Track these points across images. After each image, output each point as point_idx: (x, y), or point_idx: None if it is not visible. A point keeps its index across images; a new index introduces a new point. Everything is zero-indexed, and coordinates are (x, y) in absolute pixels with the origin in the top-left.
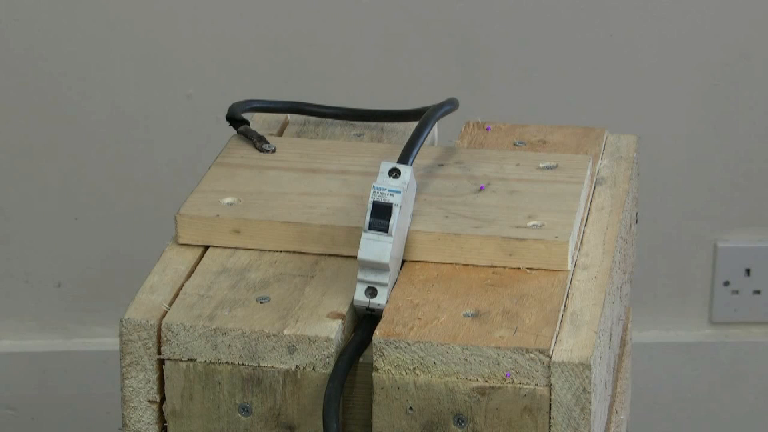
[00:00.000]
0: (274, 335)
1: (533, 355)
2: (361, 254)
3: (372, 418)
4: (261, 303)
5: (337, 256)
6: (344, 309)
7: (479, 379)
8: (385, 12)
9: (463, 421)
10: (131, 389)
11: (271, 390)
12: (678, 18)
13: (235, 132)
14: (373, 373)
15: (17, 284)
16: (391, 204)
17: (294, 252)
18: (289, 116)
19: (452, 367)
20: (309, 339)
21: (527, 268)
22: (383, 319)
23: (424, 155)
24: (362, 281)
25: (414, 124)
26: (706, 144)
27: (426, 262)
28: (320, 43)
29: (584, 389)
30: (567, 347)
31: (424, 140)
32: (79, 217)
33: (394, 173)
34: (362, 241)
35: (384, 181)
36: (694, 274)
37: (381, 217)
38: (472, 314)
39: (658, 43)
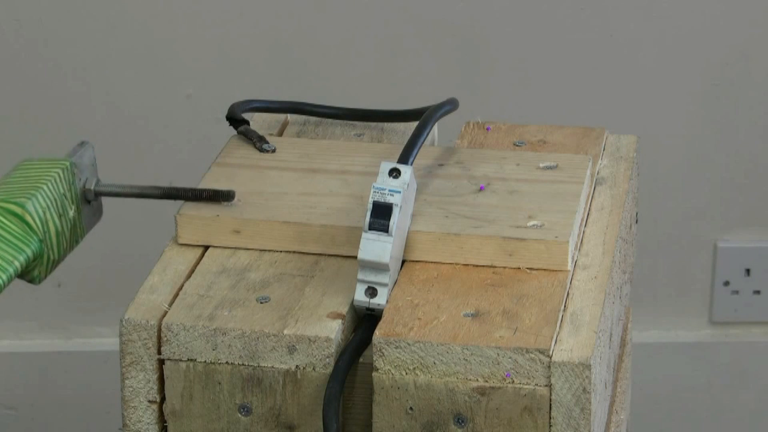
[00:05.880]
0: (274, 335)
1: (533, 355)
2: (361, 254)
3: (372, 418)
4: (261, 303)
5: (337, 256)
6: (344, 309)
7: (479, 379)
8: (385, 12)
9: (463, 421)
10: (131, 389)
11: (271, 390)
12: (678, 18)
13: (235, 132)
14: (373, 373)
15: (17, 284)
16: (391, 204)
17: (294, 252)
18: (289, 116)
19: (452, 367)
20: (309, 339)
21: (527, 268)
22: (383, 319)
23: (424, 155)
24: (362, 281)
25: (414, 124)
26: (706, 144)
27: (426, 262)
28: (320, 43)
29: (584, 389)
30: (567, 347)
31: (424, 140)
32: None
33: (394, 173)
34: (362, 241)
35: (384, 181)
36: (694, 274)
37: (381, 217)
38: (472, 314)
39: (658, 43)
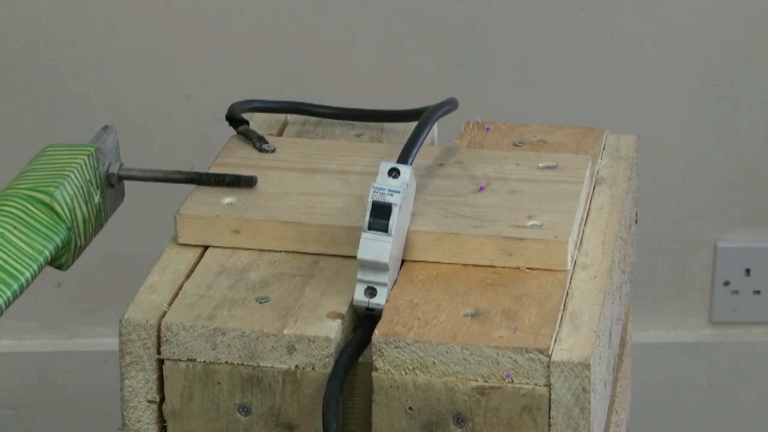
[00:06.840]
0: (273, 335)
1: (533, 355)
2: (361, 254)
3: (371, 417)
4: (260, 303)
5: (336, 256)
6: (344, 309)
7: (479, 379)
8: (385, 12)
9: (462, 421)
10: (131, 389)
11: (270, 390)
12: (678, 18)
13: (234, 132)
14: (373, 373)
15: None
16: (391, 204)
17: (294, 252)
18: (289, 116)
19: (452, 367)
20: (308, 339)
21: (527, 268)
22: (383, 318)
23: (424, 155)
24: (362, 281)
25: (414, 124)
26: (706, 144)
27: (426, 261)
28: (320, 43)
29: (584, 389)
30: (566, 347)
31: (423, 140)
32: None
33: (394, 173)
34: (362, 241)
35: (383, 180)
36: (694, 274)
37: (380, 217)
38: (471, 314)
39: (658, 43)
